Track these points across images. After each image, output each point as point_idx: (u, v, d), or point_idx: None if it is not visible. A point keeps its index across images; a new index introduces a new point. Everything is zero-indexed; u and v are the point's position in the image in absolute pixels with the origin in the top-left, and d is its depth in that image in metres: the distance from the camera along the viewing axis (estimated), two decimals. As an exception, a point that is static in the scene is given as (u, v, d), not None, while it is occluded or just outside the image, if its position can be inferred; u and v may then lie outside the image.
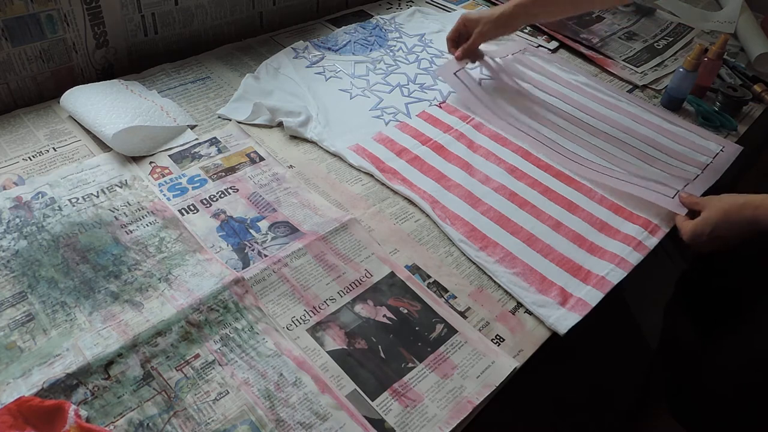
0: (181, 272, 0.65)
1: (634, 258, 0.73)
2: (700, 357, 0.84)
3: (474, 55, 0.99)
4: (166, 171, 0.79)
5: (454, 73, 0.97)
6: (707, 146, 0.93)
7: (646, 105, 1.02)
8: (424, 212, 0.77)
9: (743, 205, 0.70)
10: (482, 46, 0.99)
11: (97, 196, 0.73)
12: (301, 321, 0.61)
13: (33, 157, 0.78)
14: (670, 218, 0.79)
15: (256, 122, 0.89)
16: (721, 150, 0.93)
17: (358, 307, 0.64)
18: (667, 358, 1.09)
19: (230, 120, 0.89)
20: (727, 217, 0.71)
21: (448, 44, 1.00)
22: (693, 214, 0.78)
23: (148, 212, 0.72)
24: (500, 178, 0.82)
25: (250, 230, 0.71)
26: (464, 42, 0.98)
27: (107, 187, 0.74)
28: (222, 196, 0.75)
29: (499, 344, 0.62)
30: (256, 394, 0.55)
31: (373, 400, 0.55)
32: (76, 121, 0.84)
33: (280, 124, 0.89)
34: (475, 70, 1.02)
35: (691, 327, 1.03)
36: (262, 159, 0.82)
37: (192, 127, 0.87)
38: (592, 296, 0.67)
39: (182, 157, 0.81)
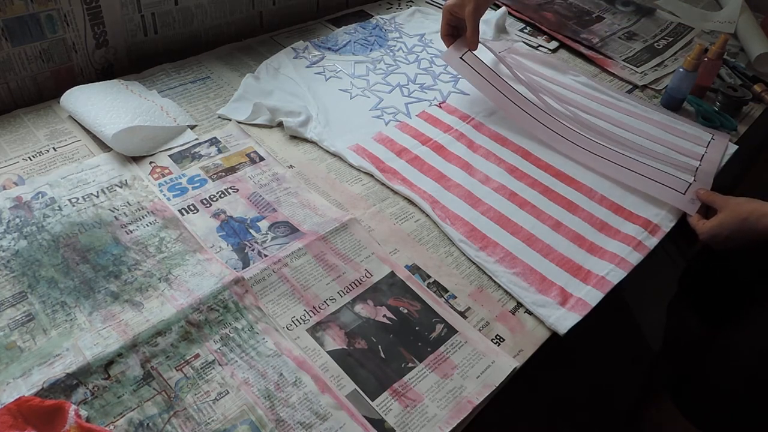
0: (181, 272, 0.65)
1: (634, 258, 0.73)
2: (707, 352, 0.84)
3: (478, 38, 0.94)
4: (166, 171, 0.79)
5: (461, 57, 0.93)
6: (700, 136, 0.94)
7: (643, 103, 1.02)
8: (424, 212, 0.77)
9: (764, 215, 0.71)
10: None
11: (97, 196, 0.73)
12: (301, 321, 0.61)
13: (33, 157, 0.78)
14: (670, 218, 0.79)
15: (256, 122, 0.89)
16: (712, 138, 0.93)
17: (358, 307, 0.64)
18: (672, 355, 1.09)
19: (230, 120, 0.89)
20: (745, 225, 0.72)
21: (447, 42, 0.95)
22: (707, 210, 0.79)
23: (148, 212, 0.72)
24: (500, 178, 0.82)
25: (250, 230, 0.71)
26: (460, 32, 0.94)
27: (107, 187, 0.74)
28: (222, 196, 0.75)
29: (499, 344, 0.62)
30: (256, 394, 0.55)
31: (373, 400, 0.55)
32: (76, 121, 0.84)
33: (280, 124, 0.89)
34: (487, 56, 0.99)
35: (696, 322, 1.03)
36: (262, 159, 0.82)
37: (192, 127, 0.87)
38: (592, 296, 0.67)
39: (182, 157, 0.81)
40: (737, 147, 0.94)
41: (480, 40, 0.93)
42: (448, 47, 0.96)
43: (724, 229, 0.74)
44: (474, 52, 0.94)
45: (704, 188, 0.81)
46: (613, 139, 0.91)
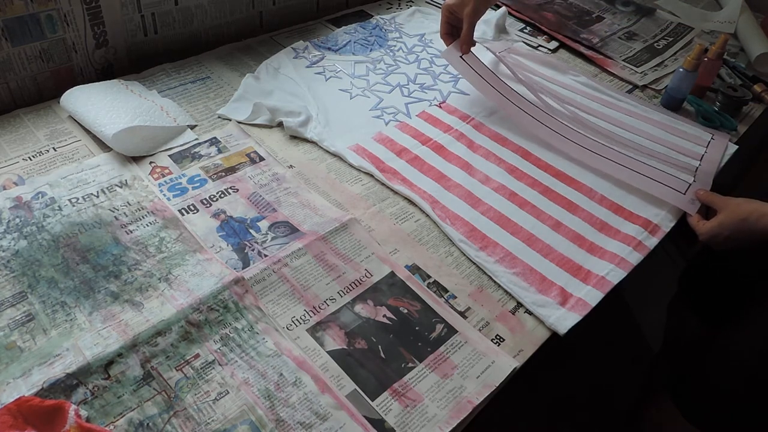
0: (181, 272, 0.65)
1: (634, 258, 0.73)
2: (707, 352, 0.84)
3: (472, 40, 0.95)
4: (166, 171, 0.79)
5: (460, 56, 0.93)
6: (700, 136, 0.94)
7: (643, 103, 1.02)
8: (424, 212, 0.77)
9: (763, 216, 0.71)
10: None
11: (97, 196, 0.73)
12: (301, 321, 0.61)
13: (33, 157, 0.78)
14: (670, 218, 0.79)
15: (256, 122, 0.89)
16: (712, 138, 0.93)
17: (358, 307, 0.64)
18: (672, 355, 1.09)
19: (230, 120, 0.89)
20: (745, 225, 0.72)
21: (446, 41, 0.96)
22: (707, 210, 0.79)
23: (148, 212, 0.72)
24: (500, 178, 0.82)
25: (250, 230, 0.71)
26: (459, 31, 0.94)
27: (107, 187, 0.74)
28: (222, 196, 0.75)
29: (499, 344, 0.62)
30: (256, 394, 0.55)
31: (373, 400, 0.55)
32: (76, 121, 0.84)
33: (280, 124, 0.89)
34: (486, 56, 0.99)
35: (696, 322, 1.03)
36: (262, 159, 0.82)
37: (192, 127, 0.87)
38: (592, 296, 0.67)
39: (182, 157, 0.81)
40: (737, 147, 0.94)
41: (479, 41, 0.93)
42: (447, 45, 0.96)
43: (724, 229, 0.74)
44: (472, 52, 0.94)
45: (704, 188, 0.81)
46: (613, 139, 0.91)
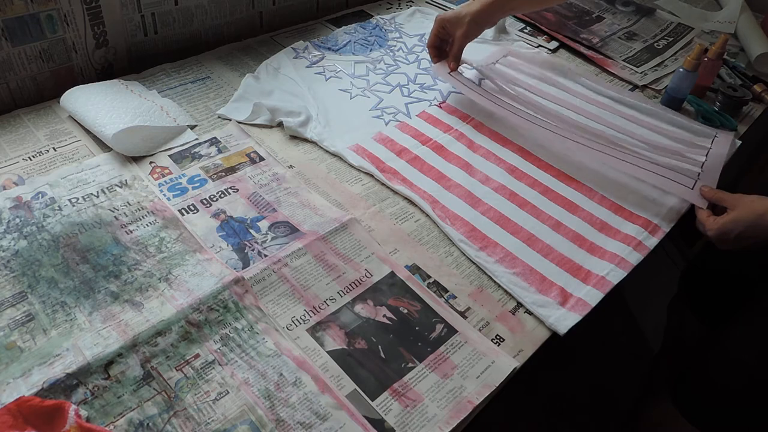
0: (181, 272, 0.65)
1: (634, 258, 0.73)
2: (707, 352, 0.84)
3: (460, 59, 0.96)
4: (166, 171, 0.79)
5: (449, 73, 0.94)
6: (704, 133, 0.94)
7: (645, 101, 1.02)
8: (424, 212, 0.77)
9: None
10: (466, 54, 0.96)
11: (97, 196, 0.73)
12: (301, 321, 0.62)
13: (33, 157, 0.78)
14: (671, 218, 0.79)
15: (256, 122, 0.89)
16: (716, 136, 0.93)
17: (358, 307, 0.64)
18: (672, 355, 1.09)
19: (230, 120, 0.89)
20: (760, 221, 0.70)
21: (431, 52, 0.96)
22: (715, 208, 0.78)
23: (148, 212, 0.72)
24: (500, 178, 0.82)
25: (250, 230, 0.71)
26: (446, 45, 0.95)
27: (107, 187, 0.75)
28: (222, 196, 0.75)
29: (499, 344, 0.62)
30: (256, 394, 0.55)
31: (373, 400, 0.55)
32: (76, 121, 0.84)
33: (280, 124, 0.89)
34: (470, 73, 1.01)
35: (696, 322, 1.03)
36: (262, 159, 0.82)
37: (192, 127, 0.87)
38: (592, 296, 0.67)
39: (182, 157, 0.81)
40: (741, 142, 0.93)
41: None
42: (431, 57, 0.97)
43: (737, 225, 0.71)
44: (459, 72, 0.95)
45: (708, 186, 0.79)
46: (616, 144, 0.90)
